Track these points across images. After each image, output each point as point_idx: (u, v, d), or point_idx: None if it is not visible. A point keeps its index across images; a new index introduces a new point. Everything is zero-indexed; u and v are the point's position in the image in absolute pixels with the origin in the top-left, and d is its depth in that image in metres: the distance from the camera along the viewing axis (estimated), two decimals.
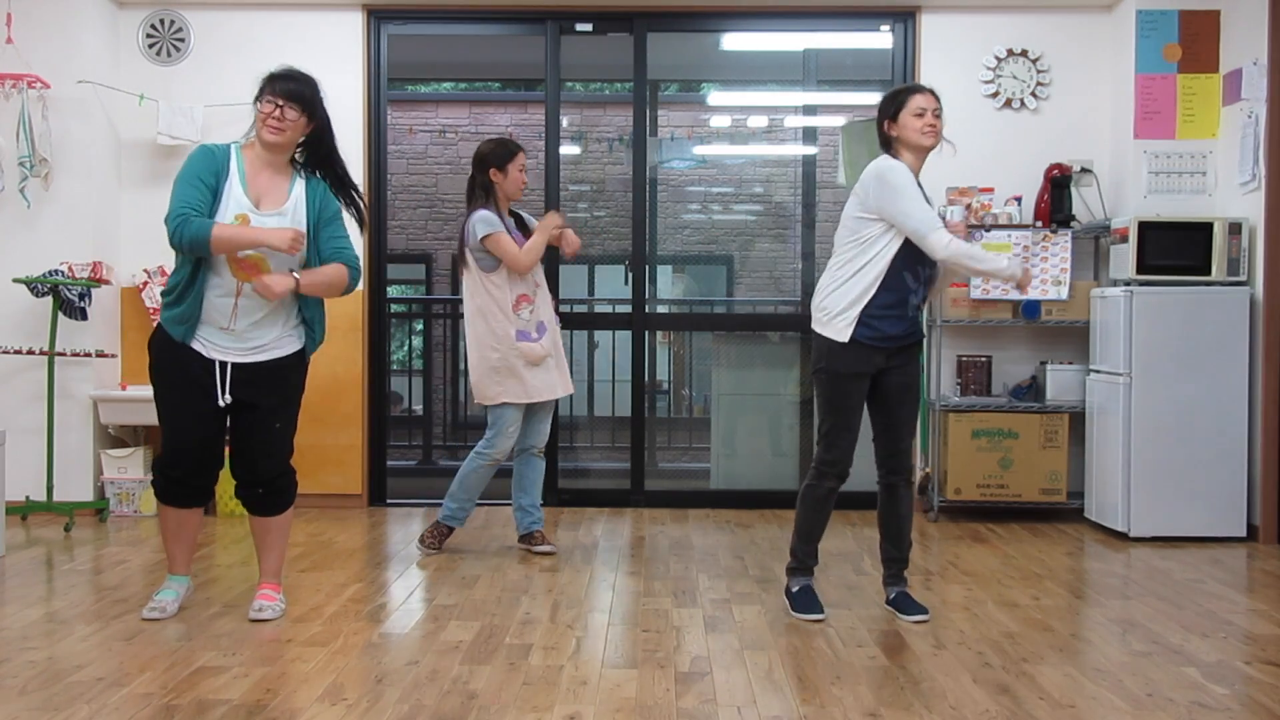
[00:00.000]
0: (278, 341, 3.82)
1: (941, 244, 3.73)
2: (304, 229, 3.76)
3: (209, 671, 3.31)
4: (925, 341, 5.96)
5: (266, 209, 3.74)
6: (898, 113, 3.89)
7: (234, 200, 3.71)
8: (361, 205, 3.98)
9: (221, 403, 3.74)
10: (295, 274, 3.73)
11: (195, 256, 3.66)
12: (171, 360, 3.75)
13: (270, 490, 3.92)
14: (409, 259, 11.00)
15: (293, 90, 3.75)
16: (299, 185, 3.84)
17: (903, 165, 3.85)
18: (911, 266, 3.83)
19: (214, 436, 3.82)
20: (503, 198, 4.94)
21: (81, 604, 4.09)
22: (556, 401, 5.08)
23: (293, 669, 3.35)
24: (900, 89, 3.99)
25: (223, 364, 3.74)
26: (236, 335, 3.75)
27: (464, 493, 4.97)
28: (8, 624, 3.80)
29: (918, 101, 3.87)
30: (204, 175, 3.69)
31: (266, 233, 3.65)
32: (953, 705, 3.08)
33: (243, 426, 3.84)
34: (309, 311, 3.88)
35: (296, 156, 3.88)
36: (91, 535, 5.35)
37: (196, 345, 3.73)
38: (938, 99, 3.92)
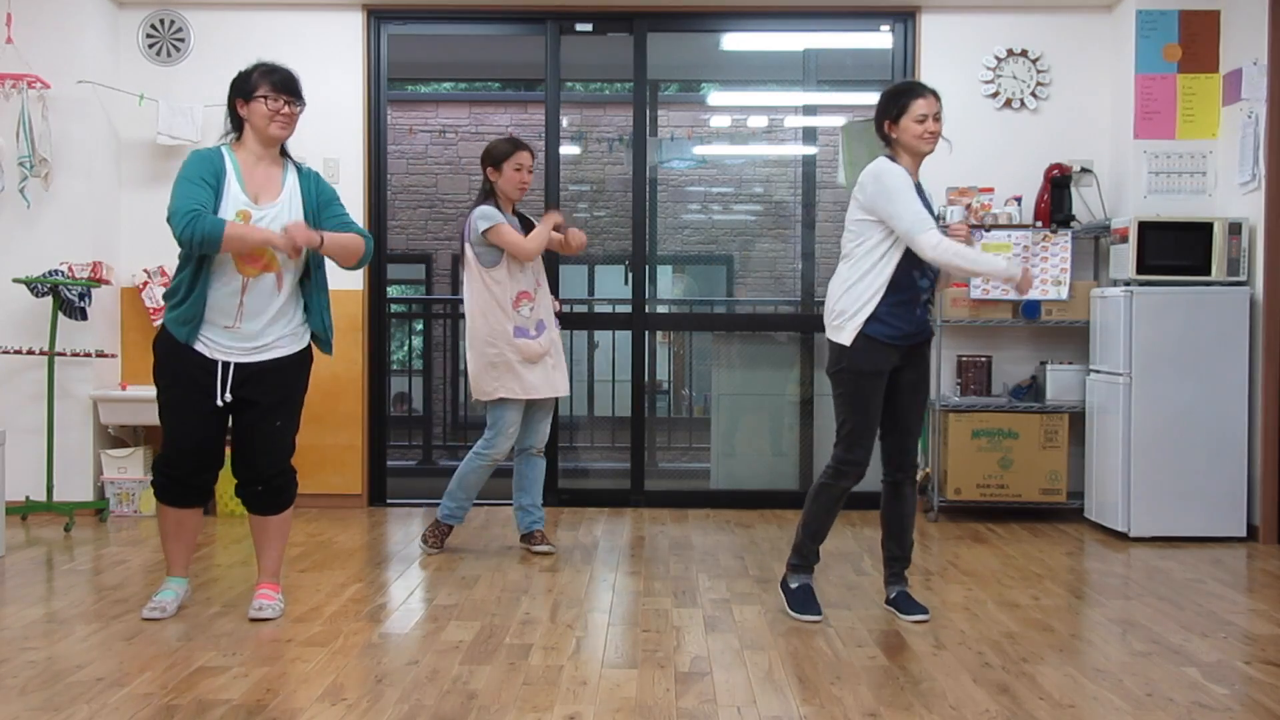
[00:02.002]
0: (280, 340, 3.82)
1: (930, 245, 3.72)
2: (301, 218, 3.79)
3: (209, 671, 3.31)
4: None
5: (264, 203, 3.77)
6: (899, 115, 3.87)
7: (233, 199, 3.73)
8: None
9: (220, 402, 3.75)
10: (321, 231, 3.79)
11: (202, 254, 3.67)
12: (175, 361, 3.76)
13: (269, 489, 3.92)
14: (409, 259, 11.00)
15: (292, 83, 3.83)
16: (291, 175, 3.88)
17: (898, 168, 3.85)
18: (920, 265, 3.84)
19: (214, 437, 3.82)
20: (502, 197, 4.93)
21: (81, 604, 4.09)
22: (556, 402, 5.08)
23: (293, 669, 3.35)
24: (902, 89, 3.93)
25: (225, 364, 3.75)
26: (240, 334, 3.75)
27: (462, 492, 4.97)
28: (8, 624, 3.80)
29: (920, 107, 3.84)
30: (205, 175, 3.71)
31: (274, 235, 3.69)
32: (953, 705, 3.08)
33: (244, 424, 3.85)
34: (317, 302, 3.89)
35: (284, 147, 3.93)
36: (91, 535, 5.35)
37: (199, 346, 3.74)
38: (939, 100, 3.90)
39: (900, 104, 3.87)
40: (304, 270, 3.86)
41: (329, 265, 3.96)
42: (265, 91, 3.79)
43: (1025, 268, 3.92)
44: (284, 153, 3.92)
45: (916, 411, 3.99)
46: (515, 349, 4.83)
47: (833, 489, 3.94)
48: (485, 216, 4.81)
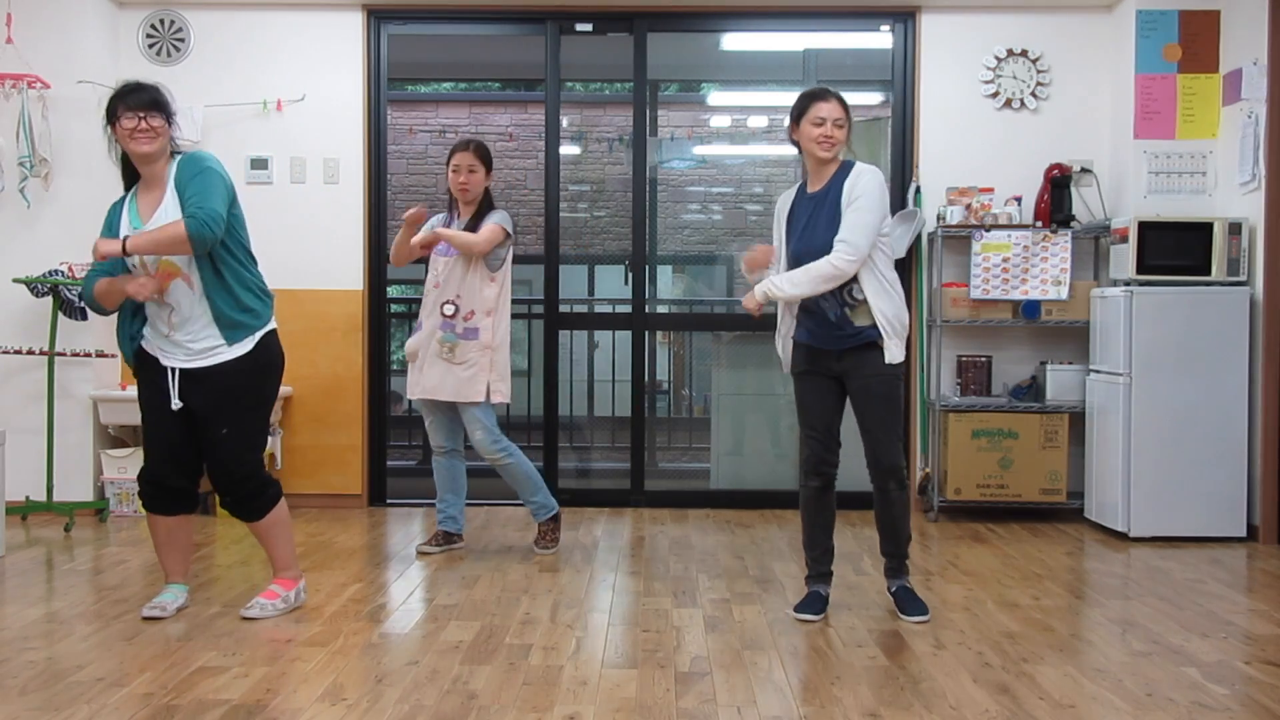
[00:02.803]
0: (215, 349, 3.81)
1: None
2: (179, 215, 3.71)
3: (209, 671, 3.31)
4: (924, 342, 5.99)
5: (149, 216, 3.79)
6: (799, 118, 3.90)
7: (124, 231, 3.79)
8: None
9: (174, 406, 3.80)
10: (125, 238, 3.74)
11: (106, 313, 3.91)
12: (140, 369, 3.91)
13: (237, 499, 3.91)
14: None
15: (148, 100, 3.76)
16: (170, 174, 3.81)
17: (785, 195, 4.00)
18: None
19: (179, 439, 3.85)
20: (455, 198, 5.01)
21: (81, 604, 4.09)
22: (475, 408, 4.86)
23: (293, 669, 3.35)
24: (808, 92, 3.94)
25: (173, 370, 3.81)
26: (179, 342, 3.80)
27: (438, 490, 5.08)
28: (8, 624, 3.80)
29: (819, 110, 3.84)
30: (104, 232, 3.85)
31: (118, 282, 3.75)
32: (953, 705, 3.08)
33: (197, 434, 3.87)
34: (215, 304, 3.78)
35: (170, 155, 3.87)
36: (91, 535, 5.35)
37: (153, 351, 3.85)
38: (845, 109, 3.87)
39: (801, 106, 3.90)
40: (211, 265, 3.78)
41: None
42: (120, 113, 3.76)
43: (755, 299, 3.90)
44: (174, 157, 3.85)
45: (872, 417, 3.90)
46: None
47: (803, 490, 4.04)
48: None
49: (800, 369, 3.99)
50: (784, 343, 4.03)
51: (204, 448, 3.86)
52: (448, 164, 4.95)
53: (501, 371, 4.86)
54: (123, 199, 3.90)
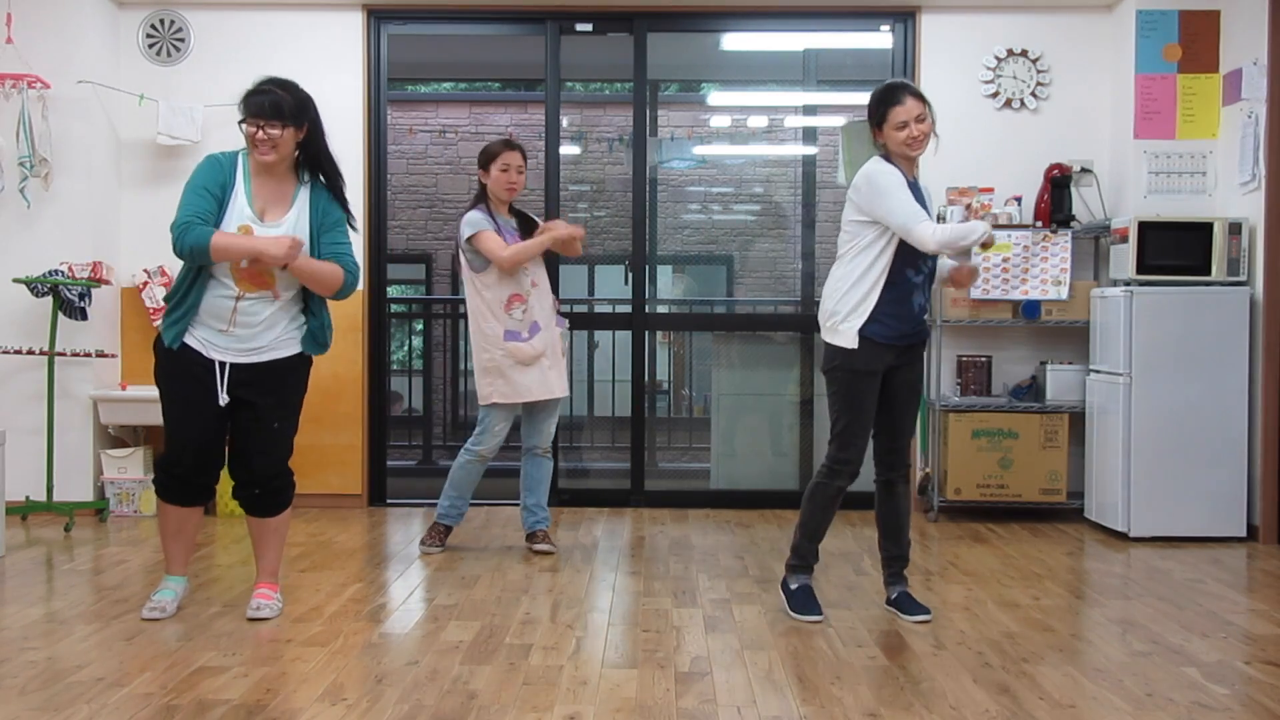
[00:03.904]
0: (276, 343, 3.82)
1: (928, 234, 3.71)
2: (305, 238, 3.76)
3: (209, 671, 3.31)
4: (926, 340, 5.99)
5: (270, 220, 3.75)
6: (882, 124, 3.90)
7: (238, 211, 3.72)
8: (348, 209, 3.95)
9: (221, 402, 3.75)
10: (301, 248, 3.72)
11: (197, 264, 3.69)
12: (174, 360, 3.77)
13: (266, 491, 3.92)
14: (409, 259, 11.00)
15: (268, 105, 3.70)
16: (303, 195, 3.83)
17: (890, 167, 3.86)
18: (913, 262, 3.85)
19: (215, 435, 3.83)
20: (493, 199, 4.94)
21: (81, 604, 4.09)
22: (559, 402, 5.07)
23: (293, 669, 3.35)
24: (883, 96, 3.91)
25: (222, 364, 3.75)
26: (234, 337, 3.76)
27: (454, 490, 5.01)
28: (8, 624, 3.80)
29: (898, 115, 3.84)
30: (210, 185, 3.70)
31: (264, 241, 3.65)
32: (953, 705, 3.08)
33: (241, 426, 3.85)
34: (313, 313, 3.88)
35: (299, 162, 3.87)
36: (91, 535, 5.35)
37: (195, 345, 3.75)
38: (923, 102, 3.87)
39: (880, 113, 3.90)
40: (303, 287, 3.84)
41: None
42: (244, 115, 3.73)
43: (988, 224, 3.90)
44: (306, 168, 3.85)
45: (911, 410, 3.99)
46: (507, 352, 4.83)
47: (827, 488, 3.95)
48: (469, 224, 4.83)
49: (869, 367, 3.85)
50: (853, 338, 3.84)
51: (249, 442, 3.84)
52: (489, 162, 4.90)
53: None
54: (232, 162, 3.77)
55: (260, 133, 3.69)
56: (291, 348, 3.86)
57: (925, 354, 4.08)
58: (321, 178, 3.88)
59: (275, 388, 3.83)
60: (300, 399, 3.96)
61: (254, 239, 3.67)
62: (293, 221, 3.78)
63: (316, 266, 3.77)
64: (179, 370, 3.78)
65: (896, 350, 3.88)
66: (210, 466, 3.87)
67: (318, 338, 3.92)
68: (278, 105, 3.70)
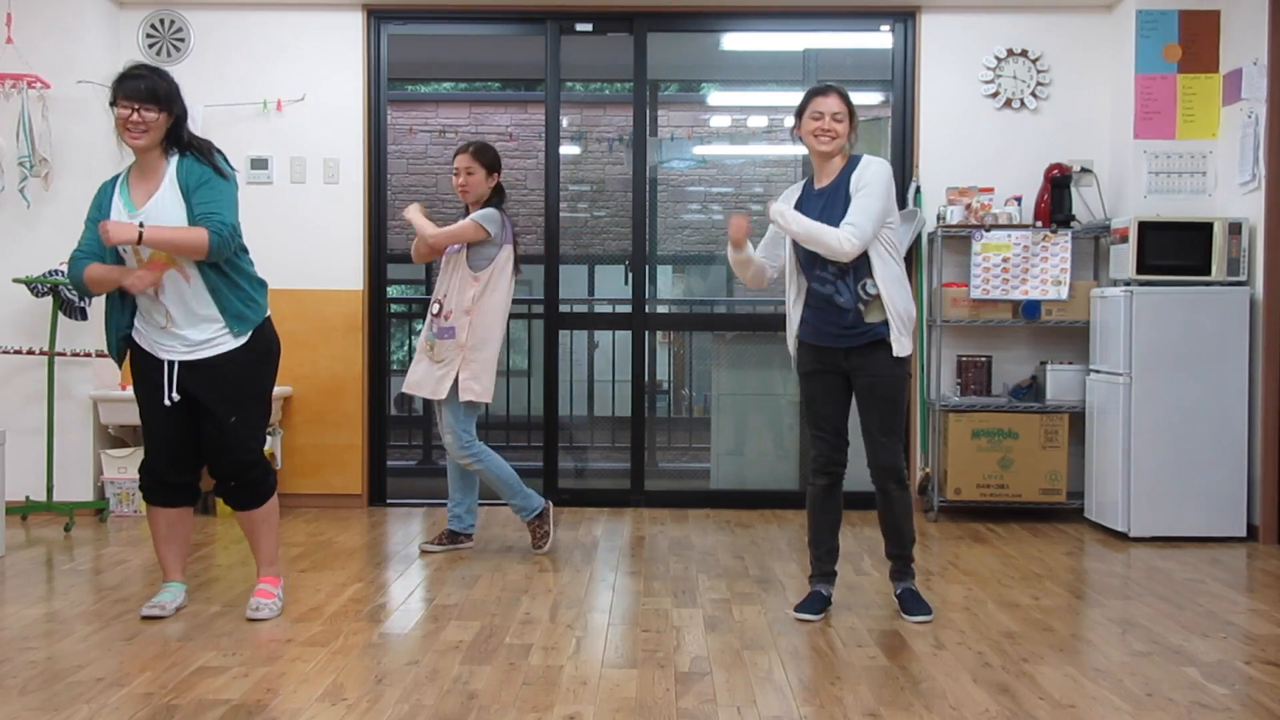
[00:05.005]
0: (219, 338, 3.80)
1: (839, 239, 3.73)
2: (180, 208, 3.69)
3: (209, 671, 3.31)
4: (924, 342, 5.99)
5: (144, 203, 3.74)
6: (800, 115, 3.93)
7: (116, 213, 3.75)
8: (217, 165, 3.81)
9: (168, 401, 3.77)
10: (141, 225, 3.65)
11: (87, 294, 3.86)
12: (134, 364, 3.87)
13: (242, 484, 3.91)
14: (409, 259, 10.97)
15: (144, 89, 3.69)
16: (170, 169, 3.77)
17: (791, 188, 3.99)
18: (810, 268, 3.88)
19: (180, 433, 3.85)
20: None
21: (81, 604, 4.09)
22: (454, 406, 4.86)
23: (293, 669, 3.35)
24: (812, 88, 3.97)
25: (170, 363, 3.78)
26: (176, 335, 3.77)
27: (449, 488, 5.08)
28: (8, 624, 3.80)
29: (817, 105, 3.87)
30: (94, 214, 3.79)
31: (119, 270, 3.69)
32: (953, 705, 3.08)
33: (203, 424, 3.86)
34: (222, 298, 3.78)
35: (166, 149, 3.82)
36: (91, 535, 5.35)
37: (145, 345, 3.81)
38: (846, 103, 3.89)
39: (802, 103, 3.95)
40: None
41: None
42: (117, 99, 3.71)
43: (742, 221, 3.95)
44: (173, 147, 3.78)
45: (874, 415, 3.89)
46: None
47: (810, 489, 4.05)
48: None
49: (808, 368, 3.97)
50: (793, 342, 4.02)
51: (209, 437, 3.85)
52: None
53: (477, 370, 4.80)
54: (113, 180, 3.85)
55: (135, 114, 3.68)
56: (232, 342, 3.81)
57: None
58: (193, 150, 3.80)
59: (221, 385, 3.81)
60: (257, 389, 3.91)
61: (112, 269, 3.71)
62: (162, 194, 3.73)
63: (169, 234, 3.66)
64: (137, 373, 3.87)
65: (842, 351, 3.88)
66: (183, 465, 3.88)
67: (242, 313, 3.81)
68: (153, 90, 3.70)
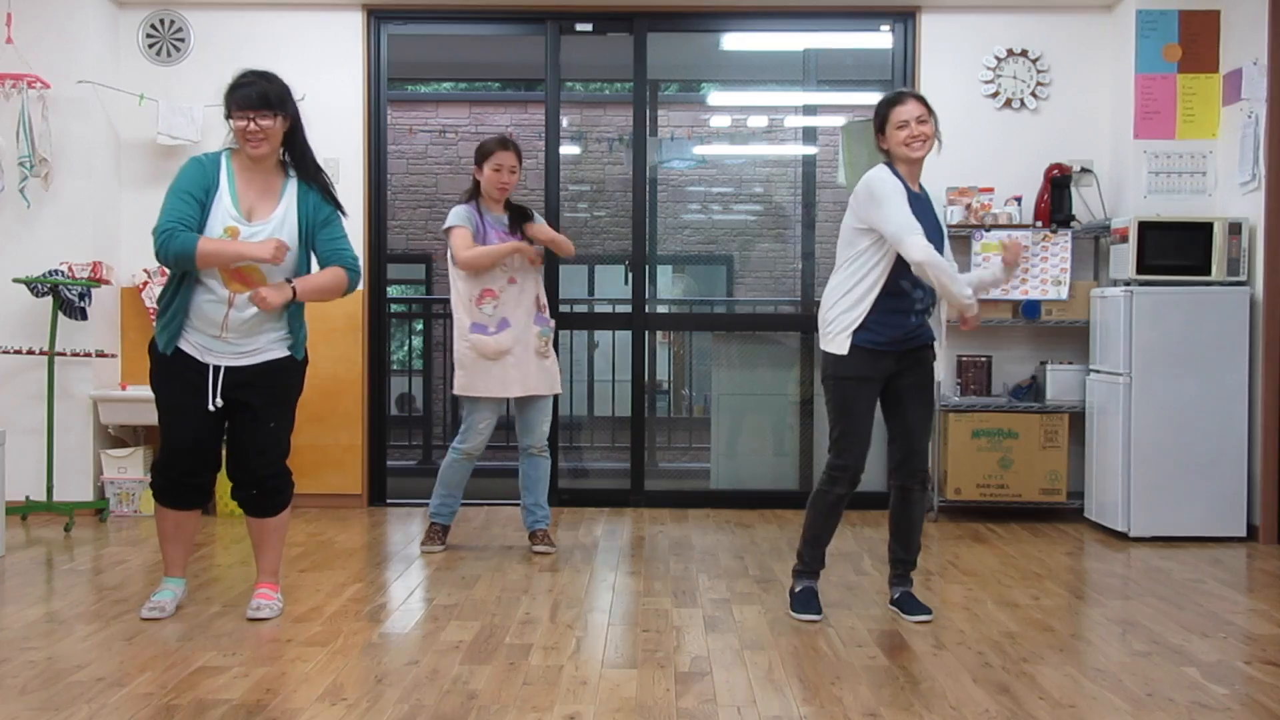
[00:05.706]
0: (270, 344, 3.82)
1: (918, 249, 3.69)
2: (294, 237, 3.75)
3: (209, 671, 3.31)
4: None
5: (257, 219, 3.73)
6: (883, 126, 3.90)
7: (223, 212, 3.70)
8: (335, 196, 3.89)
9: (212, 407, 3.75)
10: (291, 282, 3.73)
11: (181, 271, 3.69)
12: (168, 364, 3.78)
13: (264, 491, 3.91)
14: (409, 259, 11.00)
15: (256, 96, 3.68)
16: (290, 192, 3.80)
17: (889, 175, 3.83)
18: (909, 274, 3.82)
19: (210, 438, 3.83)
20: (485, 195, 4.96)
21: (81, 604, 4.09)
22: (548, 400, 5.04)
23: (293, 669, 3.35)
24: (885, 99, 3.94)
25: (216, 368, 3.75)
26: (228, 341, 3.75)
27: (444, 488, 5.04)
28: (8, 624, 3.80)
29: (898, 114, 3.85)
30: (193, 189, 3.67)
31: (250, 246, 3.63)
32: (953, 705, 3.08)
33: (238, 426, 3.85)
34: (293, 319, 3.86)
35: (282, 157, 3.84)
36: (91, 535, 5.35)
37: (189, 349, 3.75)
38: (923, 104, 3.87)
39: (881, 115, 3.91)
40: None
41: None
42: (232, 110, 3.71)
43: (977, 312, 3.89)
44: (284, 163, 3.83)
45: (922, 415, 3.97)
46: (471, 345, 4.86)
47: (828, 495, 3.95)
48: (453, 215, 4.93)
49: (861, 373, 3.85)
50: (844, 342, 3.85)
51: (244, 440, 3.83)
52: (484, 159, 4.92)
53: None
54: (215, 163, 3.75)
55: (251, 124, 3.67)
56: (284, 348, 3.85)
57: (932, 358, 4.04)
58: (307, 174, 3.84)
59: (270, 387, 3.82)
60: (295, 399, 3.95)
61: (239, 244, 3.64)
62: (280, 218, 3.75)
63: (316, 283, 3.79)
64: (173, 375, 3.77)
65: (895, 356, 3.87)
66: (205, 469, 3.86)
67: (304, 334, 3.92)
68: (265, 95, 3.69)
